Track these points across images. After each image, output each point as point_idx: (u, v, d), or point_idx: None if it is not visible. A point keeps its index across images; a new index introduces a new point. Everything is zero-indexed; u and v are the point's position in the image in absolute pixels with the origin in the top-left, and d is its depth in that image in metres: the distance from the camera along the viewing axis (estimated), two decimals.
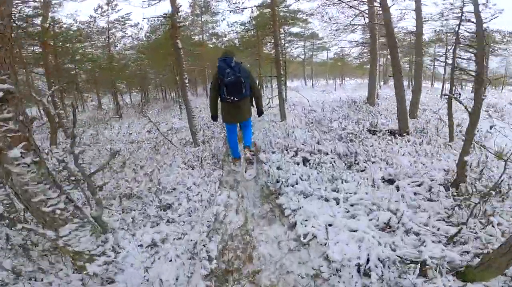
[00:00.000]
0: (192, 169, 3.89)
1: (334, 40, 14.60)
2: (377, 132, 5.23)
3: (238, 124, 3.57)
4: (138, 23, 12.33)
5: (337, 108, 7.65)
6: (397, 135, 5.01)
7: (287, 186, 3.07)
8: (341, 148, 4.04)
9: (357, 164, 3.63)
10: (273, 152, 4.22)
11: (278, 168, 3.52)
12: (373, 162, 3.65)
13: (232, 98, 3.00)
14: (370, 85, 8.41)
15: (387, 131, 5.21)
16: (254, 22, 9.54)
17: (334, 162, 3.76)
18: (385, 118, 6.18)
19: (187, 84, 4.73)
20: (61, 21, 9.23)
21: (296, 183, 3.12)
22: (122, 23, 11.63)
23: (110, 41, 11.54)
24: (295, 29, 20.54)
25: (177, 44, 4.55)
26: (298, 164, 3.75)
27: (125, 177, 3.76)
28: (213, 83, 3.08)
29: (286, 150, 4.23)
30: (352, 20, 10.69)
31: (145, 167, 4.20)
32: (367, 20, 8.28)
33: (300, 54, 24.37)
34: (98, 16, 11.00)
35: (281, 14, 11.88)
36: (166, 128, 7.31)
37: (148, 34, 12.72)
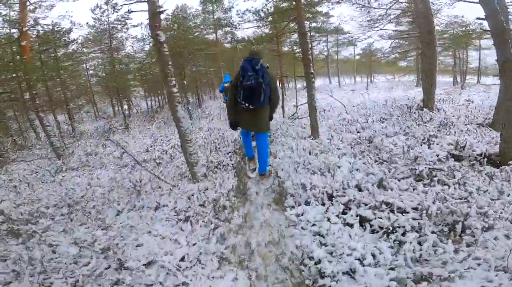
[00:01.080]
0: (186, 222, 2.40)
1: (363, 34, 12.59)
2: (464, 158, 3.38)
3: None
4: (142, 22, 11.07)
5: (385, 115, 5.76)
6: (499, 164, 3.16)
7: (335, 277, 1.61)
8: (433, 206, 2.25)
9: (465, 233, 1.92)
10: (308, 203, 2.57)
11: (316, 234, 2.03)
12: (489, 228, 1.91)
13: (246, 104, 2.76)
14: (427, 86, 6.39)
15: (481, 157, 3.32)
16: (270, 7, 7.72)
17: (420, 228, 2.05)
18: (467, 133, 4.23)
19: (176, 93, 3.16)
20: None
21: (353, 273, 1.68)
22: (123, 23, 10.39)
23: (113, 44, 10.33)
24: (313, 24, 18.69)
25: (158, 37, 3.00)
26: (351, 226, 2.19)
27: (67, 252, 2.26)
28: (233, 82, 2.85)
29: (330, 200, 2.56)
30: (394, 3, 8.72)
31: (107, 224, 2.69)
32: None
33: (322, 51, 22.40)
34: (98, 18, 9.86)
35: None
36: (168, 146, 5.85)
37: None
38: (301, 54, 4.87)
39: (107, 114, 13.51)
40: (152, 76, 13.60)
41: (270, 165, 3.48)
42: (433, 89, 6.35)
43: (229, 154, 4.63)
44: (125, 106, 12.50)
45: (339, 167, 3.20)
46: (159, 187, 3.48)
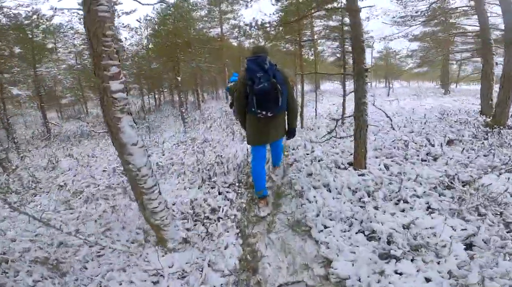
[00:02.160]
0: None
1: (389, 35, 10.88)
2: None
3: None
4: (136, 9, 9.44)
5: (452, 134, 4.06)
6: None
7: None
8: None
9: None
10: None
11: None
12: None
13: (264, 112, 2.22)
14: (503, 96, 4.67)
15: None
16: None
17: None
18: None
19: (119, 94, 1.51)
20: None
21: None
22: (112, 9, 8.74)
23: None
24: (321, 22, 16.96)
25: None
26: None
27: None
28: (238, 90, 2.30)
29: None
30: None
31: None
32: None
33: (335, 52, 20.74)
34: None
35: None
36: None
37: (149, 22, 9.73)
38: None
39: (84, 115, 11.88)
40: (151, 71, 12.07)
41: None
42: (510, 102, 4.64)
43: (230, 188, 2.99)
44: None
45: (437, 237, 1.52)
46: (101, 255, 1.84)
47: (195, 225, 2.31)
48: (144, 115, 9.71)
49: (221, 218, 2.46)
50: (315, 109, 6.63)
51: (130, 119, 1.60)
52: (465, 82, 17.77)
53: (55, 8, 6.90)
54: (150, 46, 11.05)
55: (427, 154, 3.40)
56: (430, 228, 2.00)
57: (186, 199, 2.76)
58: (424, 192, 2.51)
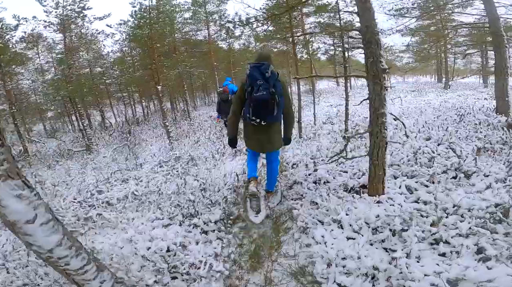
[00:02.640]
0: None
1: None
2: None
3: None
4: (110, 13, 8.62)
5: (477, 140, 3.45)
6: None
7: None
8: None
9: None
10: None
11: None
12: None
13: (258, 120, 2.26)
14: (501, 90, 4.09)
15: None
16: None
17: None
18: None
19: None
20: None
21: None
22: (80, 12, 7.86)
23: (67, 40, 7.79)
24: (311, 19, 16.31)
25: None
26: None
27: None
28: (237, 94, 2.34)
29: None
30: None
31: None
32: None
33: (329, 49, 20.23)
34: (50, 10, 7.43)
35: None
36: (120, 192, 3.49)
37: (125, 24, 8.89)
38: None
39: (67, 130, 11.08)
40: (137, 79, 11.30)
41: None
42: None
43: (216, 227, 2.36)
44: (97, 118, 10.12)
45: None
46: None
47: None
48: (129, 128, 8.98)
49: (204, 277, 1.84)
50: (314, 114, 6.00)
51: (15, 185, 0.92)
52: (460, 76, 17.37)
53: (19, 17, 6.17)
54: (133, 52, 10.35)
55: (456, 170, 2.78)
56: (488, 282, 1.41)
57: (162, 243, 2.11)
58: (470, 228, 1.89)
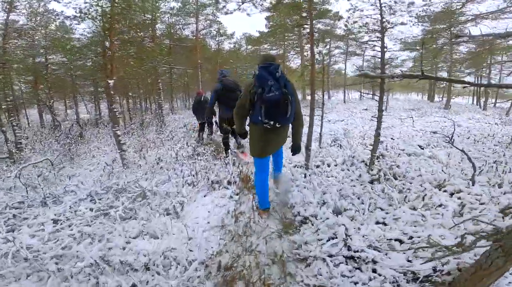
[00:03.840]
0: None
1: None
2: None
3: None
4: None
5: None
6: None
7: None
8: None
9: None
10: None
11: None
12: None
13: (272, 122, 2.12)
14: None
15: None
16: None
17: None
18: None
19: None
20: None
21: None
22: None
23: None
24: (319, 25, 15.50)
25: None
26: None
27: None
28: (242, 99, 2.21)
29: None
30: None
31: None
32: None
33: (325, 59, 19.28)
34: None
35: None
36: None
37: None
38: None
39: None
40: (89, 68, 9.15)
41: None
42: None
43: None
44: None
45: None
46: None
47: None
48: (81, 131, 7.05)
49: None
50: (320, 134, 4.57)
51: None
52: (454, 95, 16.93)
53: None
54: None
55: None
56: None
57: None
58: None
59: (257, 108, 2.13)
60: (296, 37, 16.11)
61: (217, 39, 13.51)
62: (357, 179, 3.20)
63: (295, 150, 2.46)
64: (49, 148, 5.84)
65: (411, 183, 3.17)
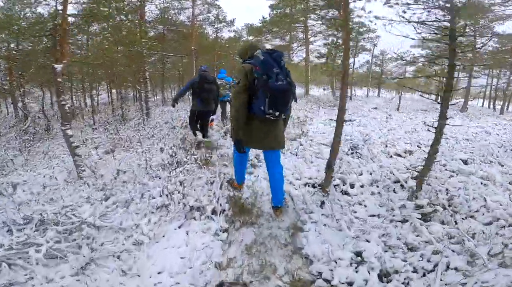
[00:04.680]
0: None
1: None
2: None
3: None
4: None
5: None
6: None
7: None
8: None
9: None
10: None
11: None
12: None
13: (277, 113, 1.96)
14: None
15: None
16: None
17: None
18: None
19: None
20: None
21: None
22: None
23: None
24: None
25: None
26: None
27: None
28: (242, 83, 1.96)
29: None
30: None
31: None
32: None
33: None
34: None
35: None
36: None
37: None
38: None
39: None
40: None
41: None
42: None
43: None
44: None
45: None
46: None
47: None
48: (48, 124, 5.97)
49: None
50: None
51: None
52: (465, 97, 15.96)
53: None
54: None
55: None
56: None
57: None
58: None
59: (260, 97, 1.94)
60: (302, 28, 14.99)
61: (215, 26, 12.34)
62: (400, 212, 2.21)
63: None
64: (5, 146, 4.79)
65: (474, 218, 2.21)
